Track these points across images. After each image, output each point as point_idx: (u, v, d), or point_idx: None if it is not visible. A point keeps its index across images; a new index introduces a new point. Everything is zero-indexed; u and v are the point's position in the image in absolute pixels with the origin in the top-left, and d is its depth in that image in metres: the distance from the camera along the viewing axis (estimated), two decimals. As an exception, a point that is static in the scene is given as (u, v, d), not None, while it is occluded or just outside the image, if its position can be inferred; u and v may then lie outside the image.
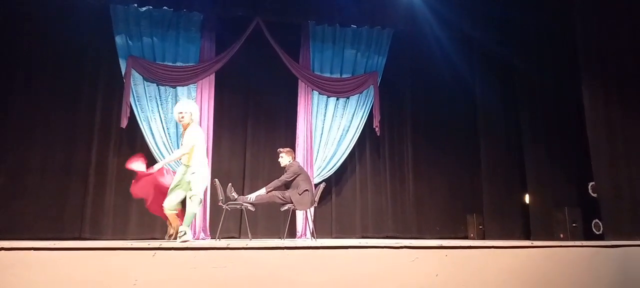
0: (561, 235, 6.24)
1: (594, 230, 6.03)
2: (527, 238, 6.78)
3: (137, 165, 4.75)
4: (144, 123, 6.94)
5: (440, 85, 8.18)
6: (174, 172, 4.89)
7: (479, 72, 8.00)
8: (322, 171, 7.40)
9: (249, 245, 2.35)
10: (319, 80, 7.69)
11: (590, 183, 6.01)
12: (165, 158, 6.03)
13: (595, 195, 5.89)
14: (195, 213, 4.59)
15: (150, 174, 4.69)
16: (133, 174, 6.99)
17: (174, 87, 7.15)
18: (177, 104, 4.88)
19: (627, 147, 5.42)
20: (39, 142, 6.73)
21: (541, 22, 7.02)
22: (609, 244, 3.11)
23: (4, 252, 2.12)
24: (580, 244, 3.15)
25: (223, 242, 2.48)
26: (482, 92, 7.93)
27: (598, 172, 5.64)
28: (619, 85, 5.58)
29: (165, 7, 7.08)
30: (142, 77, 7.03)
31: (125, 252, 2.22)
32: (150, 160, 6.99)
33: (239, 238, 6.88)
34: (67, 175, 6.79)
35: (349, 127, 7.71)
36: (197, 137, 4.57)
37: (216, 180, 5.46)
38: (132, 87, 6.94)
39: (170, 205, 4.55)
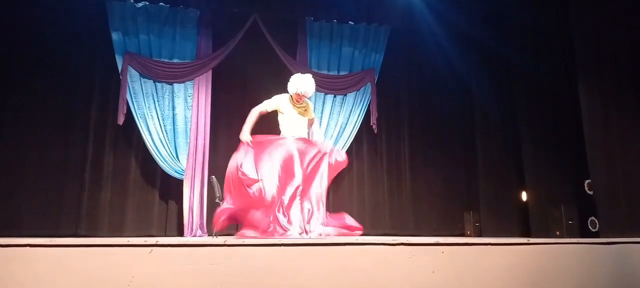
0: (557, 233, 6.26)
1: (590, 227, 6.05)
2: (525, 235, 6.80)
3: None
4: (140, 120, 6.92)
5: (438, 82, 8.18)
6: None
7: (475, 69, 8.00)
8: (319, 168, 7.39)
9: (246, 242, 2.35)
10: (316, 77, 7.59)
11: (586, 181, 6.03)
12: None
13: (591, 192, 5.91)
14: None
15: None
16: (127, 170, 7.05)
17: (171, 83, 7.12)
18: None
19: (622, 144, 5.44)
20: (35, 138, 6.69)
21: (538, 20, 7.03)
22: (605, 241, 3.13)
23: (0, 248, 2.11)
24: (577, 241, 3.16)
25: (220, 239, 2.48)
26: (478, 89, 7.94)
27: (594, 170, 5.65)
28: (615, 83, 5.59)
29: (161, 3, 7.06)
30: (138, 74, 7.00)
31: (121, 249, 2.21)
32: (148, 158, 7.02)
33: (235, 235, 6.87)
34: (63, 171, 6.75)
35: (346, 124, 7.70)
36: None
37: (213, 177, 5.46)
38: (129, 83, 6.91)
39: None
